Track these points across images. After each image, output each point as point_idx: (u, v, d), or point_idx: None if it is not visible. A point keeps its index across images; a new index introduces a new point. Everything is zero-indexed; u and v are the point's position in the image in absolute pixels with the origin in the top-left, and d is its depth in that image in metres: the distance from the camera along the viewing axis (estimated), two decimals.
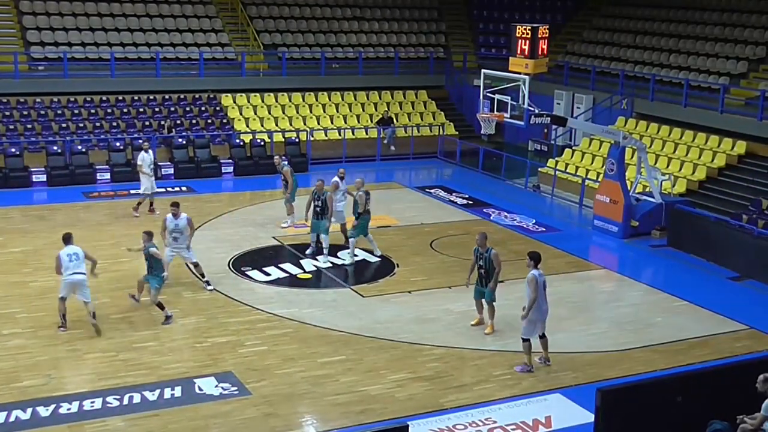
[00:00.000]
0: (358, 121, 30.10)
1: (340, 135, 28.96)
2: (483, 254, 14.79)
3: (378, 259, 18.55)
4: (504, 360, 13.93)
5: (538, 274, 13.23)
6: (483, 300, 15.02)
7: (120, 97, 27.96)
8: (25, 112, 26.51)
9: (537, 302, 13.27)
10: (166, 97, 28.59)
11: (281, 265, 17.94)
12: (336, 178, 19.31)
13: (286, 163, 21.02)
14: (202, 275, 16.56)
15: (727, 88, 25.46)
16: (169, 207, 16.40)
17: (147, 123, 27.39)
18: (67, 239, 14.53)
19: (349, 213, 18.86)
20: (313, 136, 28.38)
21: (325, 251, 18.19)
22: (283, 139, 27.78)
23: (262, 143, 27.27)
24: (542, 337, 13.67)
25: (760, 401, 10.27)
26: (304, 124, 29.28)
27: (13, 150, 24.39)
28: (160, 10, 31.00)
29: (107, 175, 24.75)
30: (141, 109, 27.86)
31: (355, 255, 18.42)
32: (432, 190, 25.10)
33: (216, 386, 12.65)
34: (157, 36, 30.07)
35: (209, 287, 16.43)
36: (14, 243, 18.94)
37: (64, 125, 26.26)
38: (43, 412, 11.76)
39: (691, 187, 23.39)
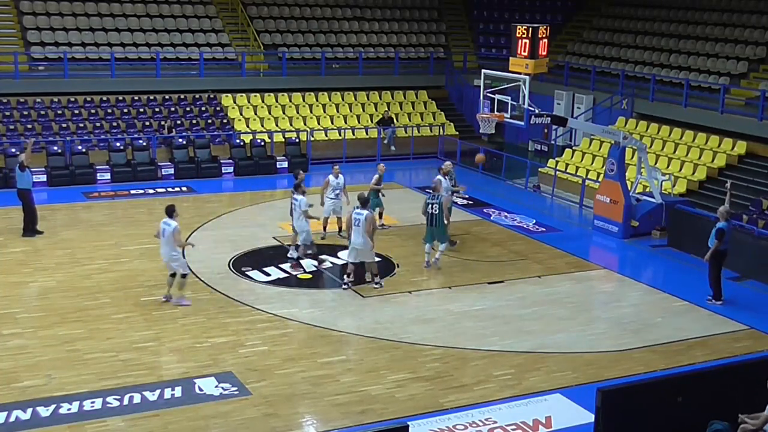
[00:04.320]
0: (358, 121, 30.10)
1: (340, 135, 28.97)
2: None
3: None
4: (504, 360, 13.93)
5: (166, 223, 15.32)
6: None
7: (120, 97, 27.96)
8: (25, 112, 26.51)
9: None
10: (166, 97, 28.59)
11: (281, 265, 17.94)
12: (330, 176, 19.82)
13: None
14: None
15: (727, 89, 25.46)
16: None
17: (147, 123, 27.40)
18: None
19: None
20: (313, 137, 28.38)
21: (438, 254, 18.08)
22: (283, 140, 27.80)
23: (263, 143, 27.27)
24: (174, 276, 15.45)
25: (762, 401, 10.26)
26: (305, 124, 29.28)
27: (13, 150, 24.39)
28: (160, 10, 31.00)
29: (107, 176, 24.73)
30: (141, 110, 27.87)
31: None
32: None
33: (216, 386, 12.65)
34: (157, 36, 30.07)
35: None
36: (14, 243, 18.95)
37: (64, 125, 26.26)
38: (43, 412, 11.75)
39: (691, 187, 23.39)
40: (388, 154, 29.25)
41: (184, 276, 15.58)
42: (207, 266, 17.72)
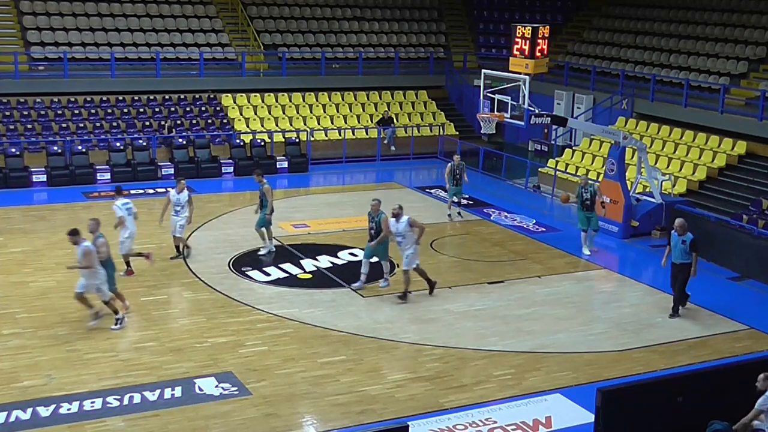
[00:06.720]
0: (358, 121, 30.09)
1: (340, 135, 28.96)
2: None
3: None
4: (504, 360, 13.93)
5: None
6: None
7: (120, 97, 27.95)
8: (25, 112, 26.51)
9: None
10: (167, 97, 28.59)
11: (281, 265, 17.94)
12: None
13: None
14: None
15: (728, 89, 25.46)
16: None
17: (147, 123, 27.40)
18: None
19: None
20: (313, 137, 28.38)
21: (363, 276, 16.76)
22: (283, 140, 27.79)
23: (263, 143, 27.27)
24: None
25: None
26: (304, 124, 29.28)
27: (13, 150, 24.39)
28: (160, 10, 30.99)
29: (107, 176, 24.73)
30: (141, 109, 27.86)
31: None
32: (432, 190, 25.12)
33: (216, 386, 12.66)
34: (157, 36, 30.06)
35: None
36: (14, 243, 18.94)
37: (64, 125, 26.25)
38: (43, 412, 11.76)
39: (691, 187, 23.39)
40: (388, 154, 29.25)
41: None
42: (207, 266, 17.72)
